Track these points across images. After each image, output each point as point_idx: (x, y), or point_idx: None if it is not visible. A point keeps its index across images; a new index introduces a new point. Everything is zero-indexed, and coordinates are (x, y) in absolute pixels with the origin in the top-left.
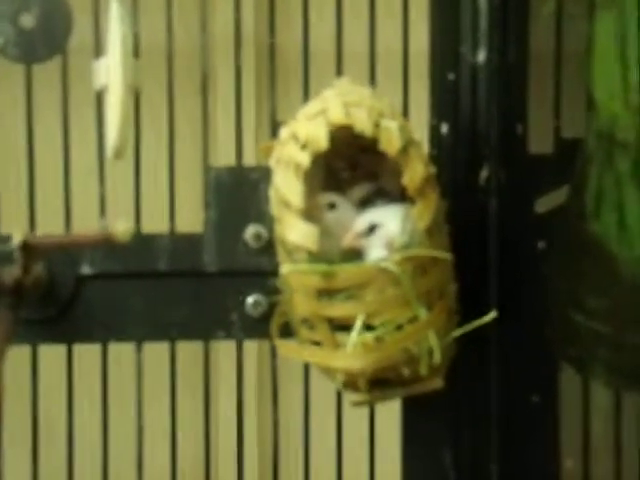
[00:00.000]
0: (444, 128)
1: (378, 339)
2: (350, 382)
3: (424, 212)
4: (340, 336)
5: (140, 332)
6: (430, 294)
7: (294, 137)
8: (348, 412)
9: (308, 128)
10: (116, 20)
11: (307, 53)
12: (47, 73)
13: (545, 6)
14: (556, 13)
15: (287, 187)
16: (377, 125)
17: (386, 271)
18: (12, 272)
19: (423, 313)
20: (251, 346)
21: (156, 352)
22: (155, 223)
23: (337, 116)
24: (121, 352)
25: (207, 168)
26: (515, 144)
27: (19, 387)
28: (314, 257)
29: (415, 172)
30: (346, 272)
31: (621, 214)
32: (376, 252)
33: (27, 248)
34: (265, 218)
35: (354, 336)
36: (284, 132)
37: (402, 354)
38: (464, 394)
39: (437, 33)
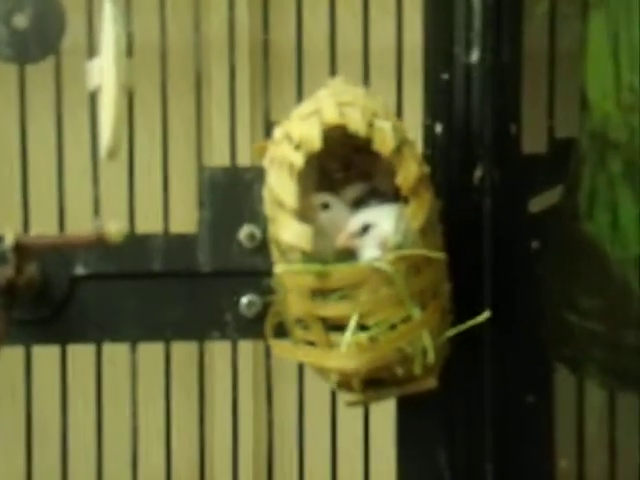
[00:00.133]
0: (438, 128)
1: (372, 339)
2: (344, 382)
3: (418, 212)
4: (334, 336)
5: (134, 332)
6: (424, 294)
7: (288, 137)
8: (342, 412)
9: (302, 128)
10: (109, 20)
11: (301, 53)
12: (40, 73)
13: (538, 6)
14: (549, 13)
15: (281, 187)
16: (371, 125)
17: (380, 271)
18: (5, 272)
19: (417, 313)
20: (246, 346)
21: (150, 352)
22: (149, 223)
23: (331, 116)
24: (115, 353)
25: (201, 168)
26: (509, 144)
27: (13, 388)
28: (308, 257)
29: (409, 172)
30: (340, 272)
31: (614, 214)
32: (370, 252)
33: (20, 248)
34: (259, 218)
35: (348, 336)
36: (278, 132)
37: (396, 354)
38: (458, 394)
39: (431, 33)
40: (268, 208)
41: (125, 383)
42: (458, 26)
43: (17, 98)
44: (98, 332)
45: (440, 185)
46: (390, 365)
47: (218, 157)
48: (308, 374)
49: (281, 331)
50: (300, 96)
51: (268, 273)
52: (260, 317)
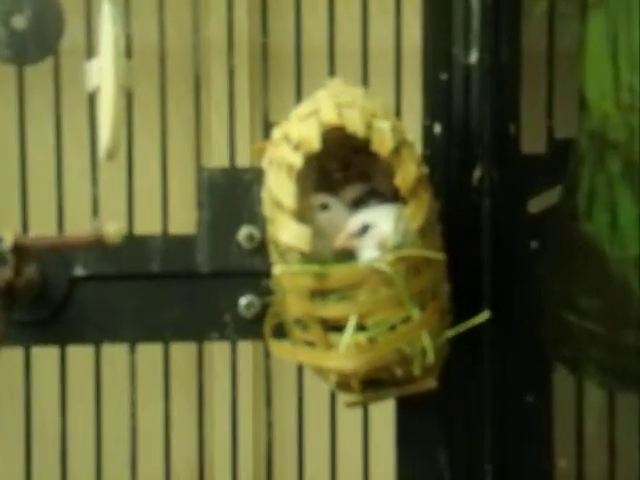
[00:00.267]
0: (437, 128)
1: (371, 339)
2: (343, 383)
3: (417, 212)
4: (333, 337)
5: (133, 333)
6: (423, 294)
7: (286, 138)
8: (342, 413)
9: (300, 129)
10: (108, 21)
11: (299, 53)
12: (39, 74)
13: (537, 6)
14: (548, 13)
15: (280, 188)
16: (370, 126)
17: (379, 271)
18: (4, 274)
19: (416, 313)
20: (245, 347)
21: (149, 353)
22: (148, 224)
23: (329, 117)
24: (114, 354)
25: (200, 169)
26: (508, 144)
27: (12, 389)
28: (307, 258)
29: (407, 172)
30: (339, 273)
31: (613, 214)
32: (369, 252)
33: (19, 250)
34: (258, 219)
35: (347, 337)
36: (276, 133)
37: (395, 354)
38: (458, 394)
39: (429, 33)
40: (267, 209)
41: (124, 384)
42: (457, 26)
43: (16, 99)
44: (97, 333)
45: (439, 185)
46: (389, 366)
47: (217, 158)
48: (307, 375)
49: (280, 332)
50: (299, 97)
51: (267, 274)
52: (259, 318)
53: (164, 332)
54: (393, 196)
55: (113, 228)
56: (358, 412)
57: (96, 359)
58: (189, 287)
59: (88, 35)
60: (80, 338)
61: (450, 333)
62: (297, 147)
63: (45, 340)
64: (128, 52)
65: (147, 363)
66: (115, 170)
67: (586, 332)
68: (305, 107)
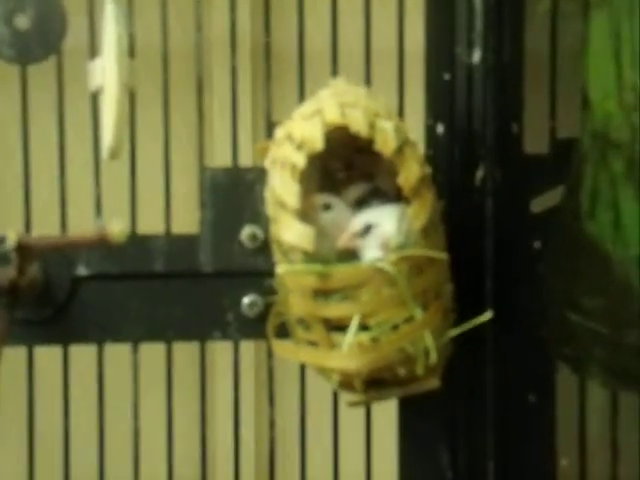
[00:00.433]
0: (440, 128)
1: (374, 339)
2: (346, 382)
3: (420, 212)
4: (336, 336)
5: (136, 333)
6: (426, 294)
7: (289, 137)
8: (344, 412)
9: (303, 128)
10: (111, 20)
11: (303, 53)
12: (42, 74)
13: (540, 5)
14: (551, 12)
15: (283, 188)
16: (373, 125)
17: (382, 271)
18: (7, 273)
19: (419, 313)
20: (247, 346)
21: (152, 353)
22: (151, 224)
23: (332, 116)
24: (117, 353)
25: (203, 168)
26: (511, 144)
27: (15, 388)
28: (310, 257)
29: (410, 172)
30: (342, 272)
31: (616, 214)
32: (372, 252)
33: (22, 249)
34: (261, 218)
35: (350, 336)
36: (279, 132)
37: (398, 354)
38: (460, 394)
39: (432, 33)
40: (270, 208)
41: (127, 383)
42: (460, 26)
43: (19, 98)
44: (100, 332)
45: (442, 185)
46: (392, 365)
47: (220, 157)
48: (310, 374)
49: (283, 331)
50: (302, 96)
51: (270, 273)
52: (262, 317)
53: (167, 331)
54: (396, 196)
55: (116, 227)
56: (361, 412)
57: (99, 358)
58: (192, 286)
59: (91, 35)
60: (83, 337)
61: (453, 333)
62: (300, 147)
63: (48, 339)
64: (131, 52)
65: (150, 362)
66: (118, 169)
67: (589, 332)
68: (308, 107)
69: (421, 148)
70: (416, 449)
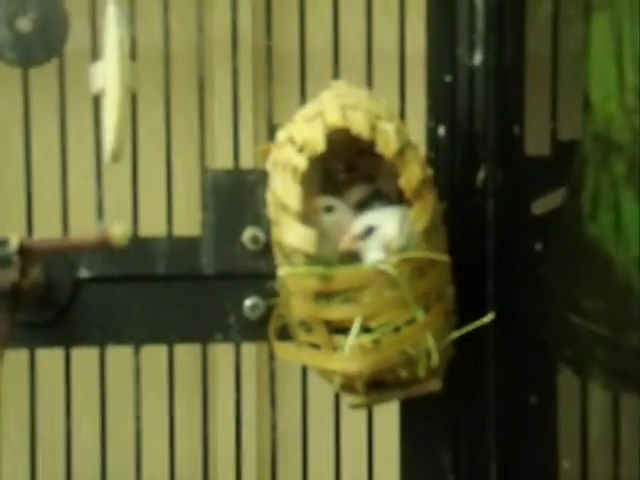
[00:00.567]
0: (441, 130)
1: (376, 341)
2: (348, 384)
3: (421, 214)
4: (338, 338)
5: (138, 335)
6: (428, 296)
7: (291, 140)
8: (346, 414)
9: (305, 131)
10: (113, 23)
11: (304, 55)
12: (44, 76)
13: (541, 8)
14: (552, 15)
15: (284, 190)
16: (374, 128)
17: (384, 273)
18: (9, 276)
19: (421, 315)
20: (249, 349)
21: (154, 355)
22: (153, 226)
23: (334, 119)
24: (119, 355)
25: (204, 171)
26: (512, 146)
27: (17, 391)
28: (312, 260)
29: (412, 174)
30: (343, 275)
31: (617, 216)
32: (373, 254)
33: (24, 252)
34: (262, 221)
35: (352, 338)
36: (281, 135)
37: (400, 356)
38: (462, 396)
39: (434, 35)
40: (272, 211)
41: (129, 385)
42: (461, 28)
43: (21, 101)
44: (102, 335)
45: (443, 187)
46: (394, 367)
47: (221, 160)
48: (312, 376)
49: (285, 334)
50: (303, 99)
51: (271, 276)
52: (264, 320)
53: (169, 334)
54: (398, 198)
55: (118, 230)
56: (362, 414)
57: (101, 361)
58: (194, 289)
59: (93, 37)
60: (85, 340)
61: (455, 335)
62: (302, 149)
63: (50, 342)
64: (132, 54)
65: (151, 365)
66: (120, 172)
67: (590, 334)
68: (309, 109)
69: (422, 150)
70: (418, 451)
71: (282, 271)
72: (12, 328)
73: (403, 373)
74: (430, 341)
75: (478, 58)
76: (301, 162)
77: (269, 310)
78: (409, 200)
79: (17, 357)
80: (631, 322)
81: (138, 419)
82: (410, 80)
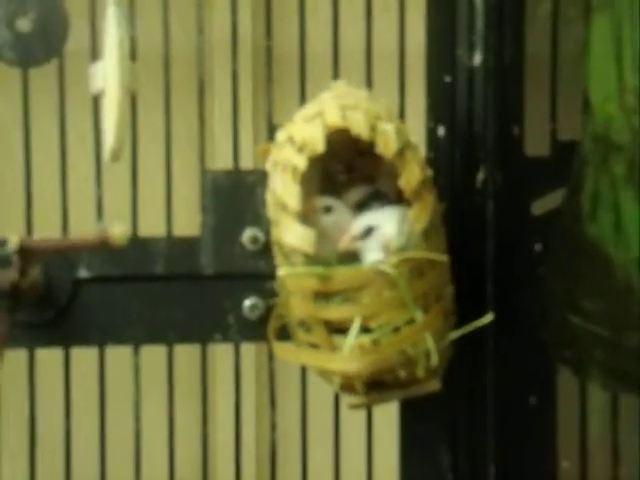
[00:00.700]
0: (440, 130)
1: (375, 342)
2: (347, 384)
3: (421, 214)
4: (337, 339)
5: (137, 335)
6: (427, 296)
7: (291, 140)
8: (345, 414)
9: (305, 131)
10: (113, 23)
11: (304, 56)
12: (44, 77)
13: (541, 8)
14: (552, 15)
15: (284, 190)
16: (374, 128)
17: (383, 274)
18: (9, 275)
19: (420, 315)
20: (249, 349)
21: (153, 355)
22: (152, 226)
23: (334, 119)
24: (118, 355)
25: (204, 171)
26: (512, 146)
27: (16, 391)
28: (311, 260)
29: (412, 175)
30: (343, 275)
31: (617, 216)
32: (373, 255)
33: (24, 252)
34: (262, 221)
35: (351, 339)
36: (281, 135)
37: (399, 356)
38: (461, 396)
39: (433, 35)
40: (271, 211)
41: (128, 385)
42: (460, 28)
43: (21, 101)
44: (101, 335)
45: (443, 188)
46: (393, 368)
47: (221, 160)
48: (311, 377)
49: (284, 334)
50: (303, 99)
51: (271, 276)
52: (263, 320)
53: (168, 334)
54: (397, 198)
55: (118, 230)
56: (362, 414)
57: (100, 361)
58: (193, 289)
59: (93, 38)
60: (84, 340)
61: (454, 335)
62: (301, 149)
63: (49, 342)
64: (132, 55)
65: (151, 365)
66: (119, 172)
67: (590, 334)
68: (309, 109)
69: (422, 150)
70: (417, 451)
71: (281, 271)
72: (11, 328)
73: (402, 373)
74: (429, 341)
75: (478, 58)
76: (301, 162)
77: (268, 310)
78: (408, 200)
79: (16, 357)
80: (631, 323)
81: (137, 419)
82: (410, 80)
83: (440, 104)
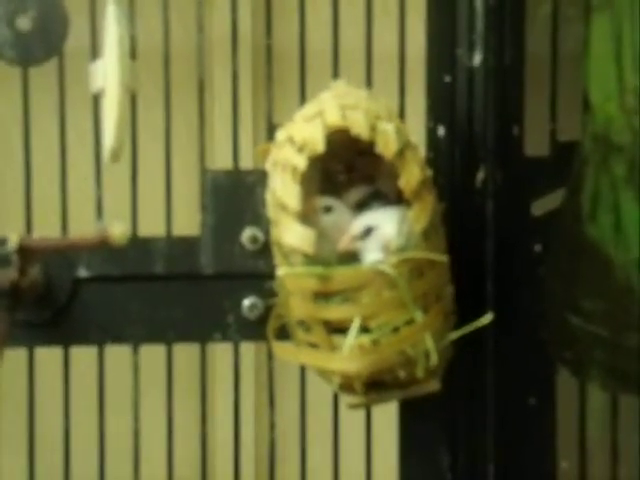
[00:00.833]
0: (440, 130)
1: (374, 342)
2: (346, 384)
3: (420, 215)
4: (336, 339)
5: (137, 334)
6: (427, 296)
7: (290, 140)
8: (345, 414)
9: (304, 131)
10: (113, 22)
11: (304, 55)
12: (44, 75)
13: (541, 8)
14: (552, 15)
15: (284, 190)
16: (374, 128)
17: (382, 274)
18: (8, 275)
19: (419, 316)
20: (248, 348)
21: (153, 354)
22: (152, 226)
23: (334, 119)
24: (118, 354)
25: (204, 171)
26: (511, 146)
27: (16, 390)
28: (310, 260)
29: (411, 175)
30: (342, 275)
31: (617, 217)
32: (372, 255)
33: (24, 251)
34: (262, 221)
35: (350, 339)
36: (280, 135)
37: (398, 356)
38: (461, 396)
39: (433, 35)
40: (271, 211)
41: (127, 385)
42: (460, 28)
43: (20, 100)
44: (101, 334)
45: (443, 188)
46: (392, 368)
47: (221, 160)
48: (310, 376)
49: (283, 333)
50: (303, 99)
51: (270, 276)
52: (262, 319)
53: (167, 333)
54: (397, 198)
55: (117, 230)
56: (361, 414)
57: (99, 360)
58: (193, 289)
59: (93, 36)
60: (84, 339)
61: (453, 335)
62: (301, 149)
63: (49, 341)
64: (132, 53)
65: (150, 364)
66: (119, 171)
67: (589, 335)
68: (309, 109)
69: (422, 150)
70: (416, 451)
71: (281, 271)
72: (11, 327)
73: (402, 373)
74: (429, 341)
75: (478, 58)
76: (301, 162)
77: (268, 310)
78: (408, 200)
79: (16, 356)
80: (631, 323)
81: (136, 418)
82: (410, 80)
83: (440, 104)
